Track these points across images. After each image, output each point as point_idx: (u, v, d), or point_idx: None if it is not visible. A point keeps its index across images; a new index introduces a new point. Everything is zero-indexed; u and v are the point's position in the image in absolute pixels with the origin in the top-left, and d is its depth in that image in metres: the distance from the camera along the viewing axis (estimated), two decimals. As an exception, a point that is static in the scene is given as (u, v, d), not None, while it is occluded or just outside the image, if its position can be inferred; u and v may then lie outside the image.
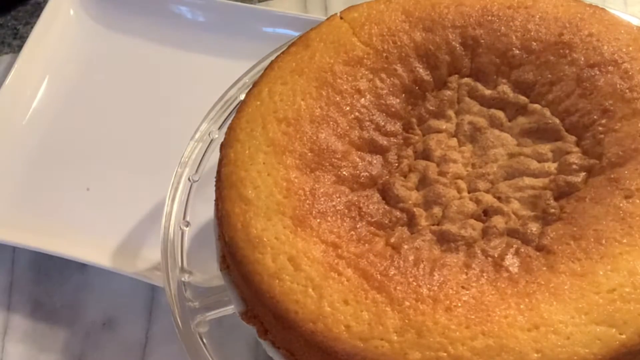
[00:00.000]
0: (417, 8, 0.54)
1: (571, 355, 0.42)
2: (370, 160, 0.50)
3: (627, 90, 0.49)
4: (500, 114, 0.52)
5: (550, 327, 0.42)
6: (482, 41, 0.52)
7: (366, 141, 0.50)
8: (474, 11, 0.53)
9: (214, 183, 0.51)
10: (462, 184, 0.50)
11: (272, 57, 0.55)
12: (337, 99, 0.51)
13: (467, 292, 0.44)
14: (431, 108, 0.52)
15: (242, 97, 0.55)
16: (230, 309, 0.53)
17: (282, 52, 0.54)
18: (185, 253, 0.56)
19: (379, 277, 0.44)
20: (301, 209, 0.47)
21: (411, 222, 0.48)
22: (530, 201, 0.48)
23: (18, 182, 0.70)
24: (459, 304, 0.43)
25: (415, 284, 0.44)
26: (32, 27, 0.77)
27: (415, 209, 0.48)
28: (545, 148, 0.50)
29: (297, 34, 0.58)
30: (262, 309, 0.47)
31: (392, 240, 0.47)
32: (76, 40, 0.78)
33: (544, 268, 0.45)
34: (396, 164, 0.51)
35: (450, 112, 0.53)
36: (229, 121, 0.53)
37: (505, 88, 0.52)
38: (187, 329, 0.53)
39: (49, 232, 0.66)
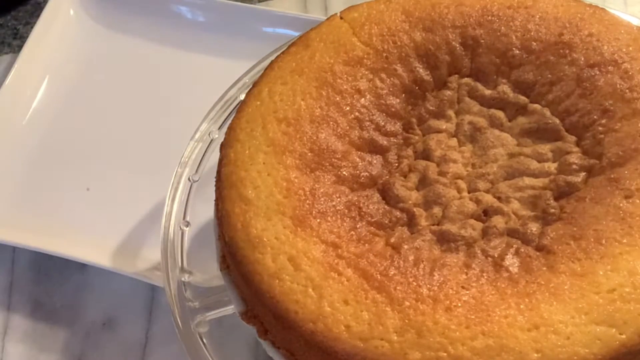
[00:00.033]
0: (417, 8, 0.54)
1: (571, 355, 0.42)
2: (370, 160, 0.50)
3: (627, 90, 0.49)
4: (500, 114, 0.52)
5: (550, 327, 0.42)
6: (482, 41, 0.52)
7: (366, 141, 0.50)
8: (474, 11, 0.53)
9: (214, 183, 0.51)
10: (462, 184, 0.50)
11: (272, 57, 0.55)
12: (337, 99, 0.51)
13: (467, 292, 0.44)
14: (431, 108, 0.52)
15: (242, 97, 0.55)
16: (230, 309, 0.53)
17: (282, 52, 0.54)
18: (185, 253, 0.56)
19: (379, 277, 0.44)
20: (301, 209, 0.47)
21: (411, 222, 0.48)
22: (530, 201, 0.48)
23: (18, 182, 0.70)
24: (459, 304, 0.43)
25: (415, 284, 0.44)
26: (32, 27, 0.77)
27: (415, 209, 0.48)
28: (545, 148, 0.50)
29: (297, 34, 0.58)
30: (262, 309, 0.47)
31: (392, 240, 0.47)
32: (76, 40, 0.78)
33: (544, 268, 0.44)
34: (396, 164, 0.51)
35: (450, 112, 0.53)
36: (229, 121, 0.53)
37: (505, 88, 0.52)
38: (187, 329, 0.53)
39: (49, 232, 0.66)
